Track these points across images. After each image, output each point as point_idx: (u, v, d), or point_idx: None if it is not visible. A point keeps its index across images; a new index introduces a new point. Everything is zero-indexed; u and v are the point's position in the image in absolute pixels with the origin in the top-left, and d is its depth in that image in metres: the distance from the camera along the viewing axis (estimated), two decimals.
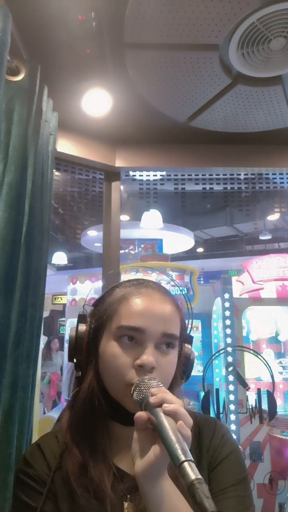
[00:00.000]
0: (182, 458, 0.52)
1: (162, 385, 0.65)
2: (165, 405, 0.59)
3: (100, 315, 0.77)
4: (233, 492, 0.70)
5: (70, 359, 0.78)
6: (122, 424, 0.73)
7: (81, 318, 0.79)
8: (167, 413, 0.58)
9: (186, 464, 0.51)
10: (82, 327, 0.77)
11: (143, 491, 0.60)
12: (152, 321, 0.71)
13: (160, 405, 0.59)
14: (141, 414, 0.60)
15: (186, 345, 0.81)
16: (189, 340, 0.83)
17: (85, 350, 0.76)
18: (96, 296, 0.86)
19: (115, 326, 0.72)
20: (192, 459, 0.52)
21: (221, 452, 0.75)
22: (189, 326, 0.83)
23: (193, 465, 0.52)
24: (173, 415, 0.58)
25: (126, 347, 0.71)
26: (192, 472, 0.50)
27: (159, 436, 0.57)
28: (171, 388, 0.74)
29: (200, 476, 0.50)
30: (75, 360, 0.77)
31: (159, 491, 0.59)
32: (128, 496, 0.69)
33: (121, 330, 0.71)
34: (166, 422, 0.57)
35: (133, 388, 0.66)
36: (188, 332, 0.83)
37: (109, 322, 0.75)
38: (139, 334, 0.70)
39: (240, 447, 2.71)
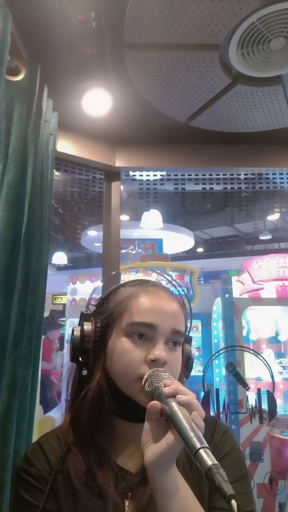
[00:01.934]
0: (198, 445, 0.53)
1: (172, 377, 0.66)
2: (179, 395, 0.60)
3: (108, 314, 0.77)
4: (234, 489, 0.70)
5: (74, 358, 0.77)
6: (129, 421, 0.73)
7: (86, 317, 0.78)
8: (181, 404, 0.59)
9: (202, 451, 0.52)
10: (88, 326, 0.77)
11: (152, 480, 0.60)
12: (163, 318, 0.72)
13: (173, 395, 0.60)
14: (154, 403, 0.60)
15: (186, 345, 0.82)
16: (189, 340, 0.84)
17: (92, 349, 0.76)
18: (97, 296, 0.87)
19: (126, 323, 0.73)
20: (208, 446, 0.53)
21: (221, 450, 0.76)
22: (189, 326, 0.84)
23: (209, 451, 0.53)
24: (187, 406, 0.59)
25: (137, 343, 0.71)
26: (208, 458, 0.51)
27: (172, 425, 0.58)
28: None
29: (216, 462, 0.51)
30: (80, 359, 0.77)
31: (169, 480, 0.60)
32: (129, 494, 0.69)
33: (133, 326, 0.72)
34: (180, 411, 0.58)
35: (144, 379, 0.66)
36: (187, 333, 0.84)
37: (119, 319, 0.75)
38: (151, 330, 0.71)
39: (240, 447, 2.70)
